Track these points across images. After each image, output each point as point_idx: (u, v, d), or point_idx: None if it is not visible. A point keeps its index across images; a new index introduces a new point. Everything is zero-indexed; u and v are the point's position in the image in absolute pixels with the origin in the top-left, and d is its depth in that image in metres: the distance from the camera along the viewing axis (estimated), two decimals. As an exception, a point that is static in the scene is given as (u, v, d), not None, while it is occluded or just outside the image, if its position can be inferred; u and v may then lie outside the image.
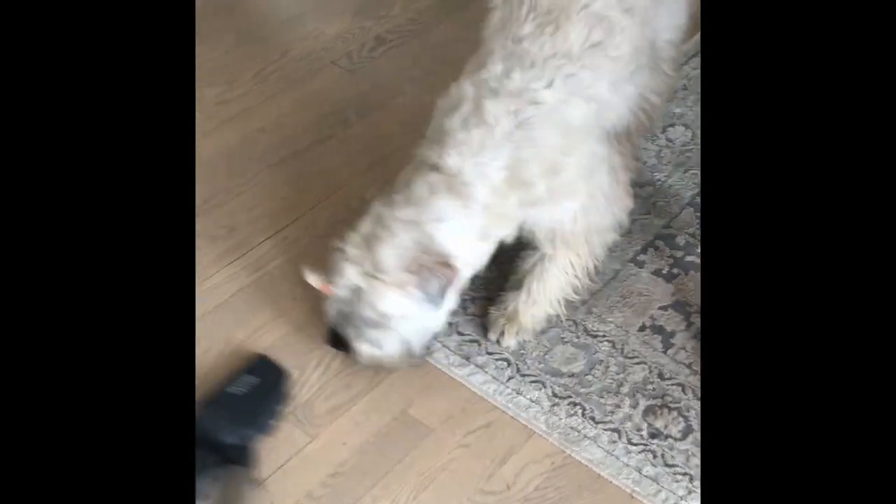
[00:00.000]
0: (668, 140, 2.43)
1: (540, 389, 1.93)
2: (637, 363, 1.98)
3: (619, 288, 2.11)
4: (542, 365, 1.97)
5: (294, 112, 2.53)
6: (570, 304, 2.01)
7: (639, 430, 1.87)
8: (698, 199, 2.27)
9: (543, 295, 1.96)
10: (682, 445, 1.84)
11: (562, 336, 2.02)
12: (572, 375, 1.96)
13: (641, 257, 2.17)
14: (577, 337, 2.02)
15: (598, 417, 1.89)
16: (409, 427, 1.88)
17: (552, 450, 1.84)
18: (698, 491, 1.76)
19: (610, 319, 2.05)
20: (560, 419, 1.88)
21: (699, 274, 2.09)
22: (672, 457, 1.83)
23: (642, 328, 2.04)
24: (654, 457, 1.83)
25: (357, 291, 1.79)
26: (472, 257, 1.82)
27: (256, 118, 2.51)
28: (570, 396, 1.92)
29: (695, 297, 2.08)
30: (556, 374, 1.96)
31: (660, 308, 2.08)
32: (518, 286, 1.98)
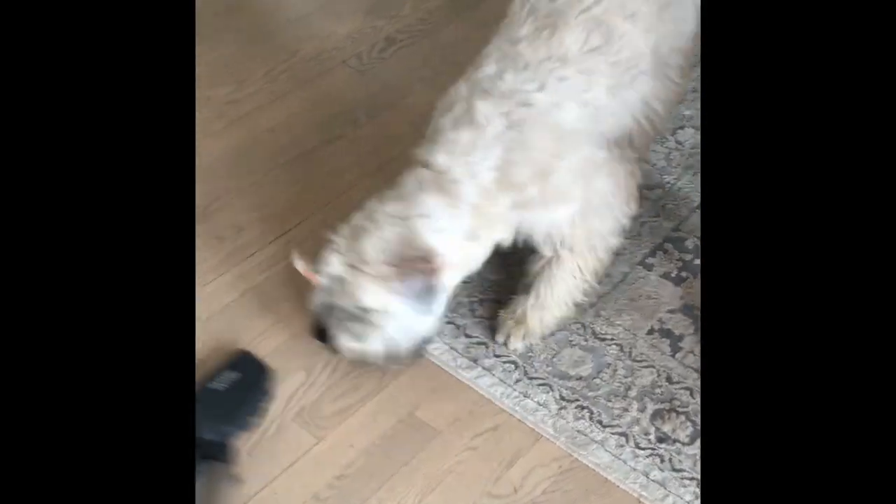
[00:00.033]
0: (678, 143, 2.42)
1: (547, 392, 1.93)
2: (645, 367, 1.97)
3: (628, 291, 2.10)
4: (549, 368, 1.97)
5: (303, 112, 2.53)
6: (578, 307, 2.01)
7: (646, 434, 1.86)
8: (708, 202, 2.26)
9: (551, 298, 1.95)
10: (689, 450, 1.84)
11: (570, 339, 2.02)
12: (580, 379, 1.95)
13: (650, 260, 2.16)
14: (585, 340, 2.02)
15: (605, 421, 1.88)
16: (416, 429, 1.88)
17: (559, 453, 1.84)
18: (706, 496, 1.76)
19: (618, 322, 2.05)
20: (567, 422, 1.88)
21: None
22: (680, 461, 1.82)
23: (650, 331, 2.03)
24: (662, 461, 1.82)
25: (340, 282, 1.80)
26: (459, 258, 1.81)
27: (266, 118, 2.52)
28: (577, 400, 1.92)
29: (703, 301, 2.07)
30: (564, 377, 1.95)
31: (668, 311, 2.07)
32: (527, 289, 1.98)
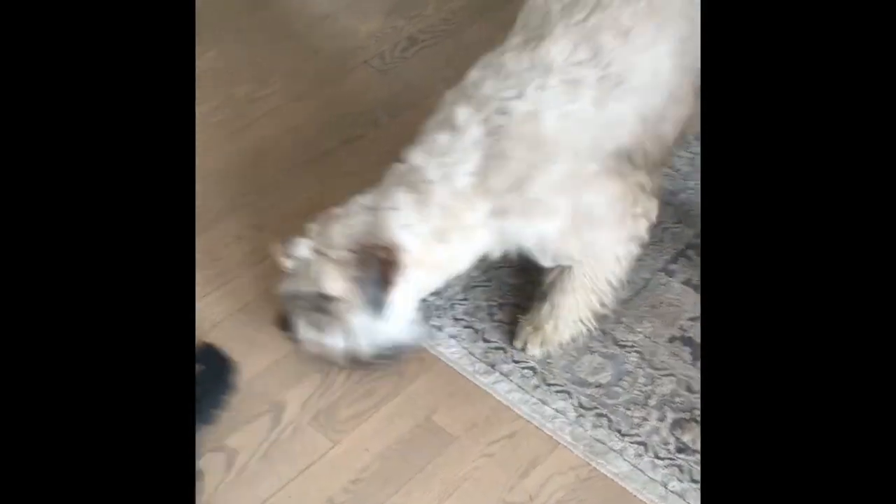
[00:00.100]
0: (703, 147, 2.39)
1: (566, 399, 1.91)
2: (665, 375, 1.95)
3: (649, 298, 2.08)
4: (568, 374, 1.95)
5: (325, 111, 2.52)
6: (598, 314, 1.98)
7: (666, 443, 1.84)
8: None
9: (566, 306, 1.93)
10: (709, 461, 1.81)
11: (589, 346, 2.00)
12: (599, 386, 1.93)
13: (672, 267, 2.14)
14: (605, 347, 1.99)
15: (624, 430, 1.86)
16: (433, 434, 1.86)
17: (577, 462, 1.82)
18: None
19: (639, 329, 2.02)
20: (586, 430, 1.86)
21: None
22: (699, 472, 1.79)
23: (671, 339, 2.01)
24: (681, 472, 1.80)
25: (306, 266, 1.79)
26: (427, 258, 1.79)
27: (287, 117, 2.51)
28: (596, 407, 1.89)
29: (726, 309, 2.05)
30: (583, 384, 1.93)
31: (689, 319, 2.04)
32: (545, 296, 1.95)
